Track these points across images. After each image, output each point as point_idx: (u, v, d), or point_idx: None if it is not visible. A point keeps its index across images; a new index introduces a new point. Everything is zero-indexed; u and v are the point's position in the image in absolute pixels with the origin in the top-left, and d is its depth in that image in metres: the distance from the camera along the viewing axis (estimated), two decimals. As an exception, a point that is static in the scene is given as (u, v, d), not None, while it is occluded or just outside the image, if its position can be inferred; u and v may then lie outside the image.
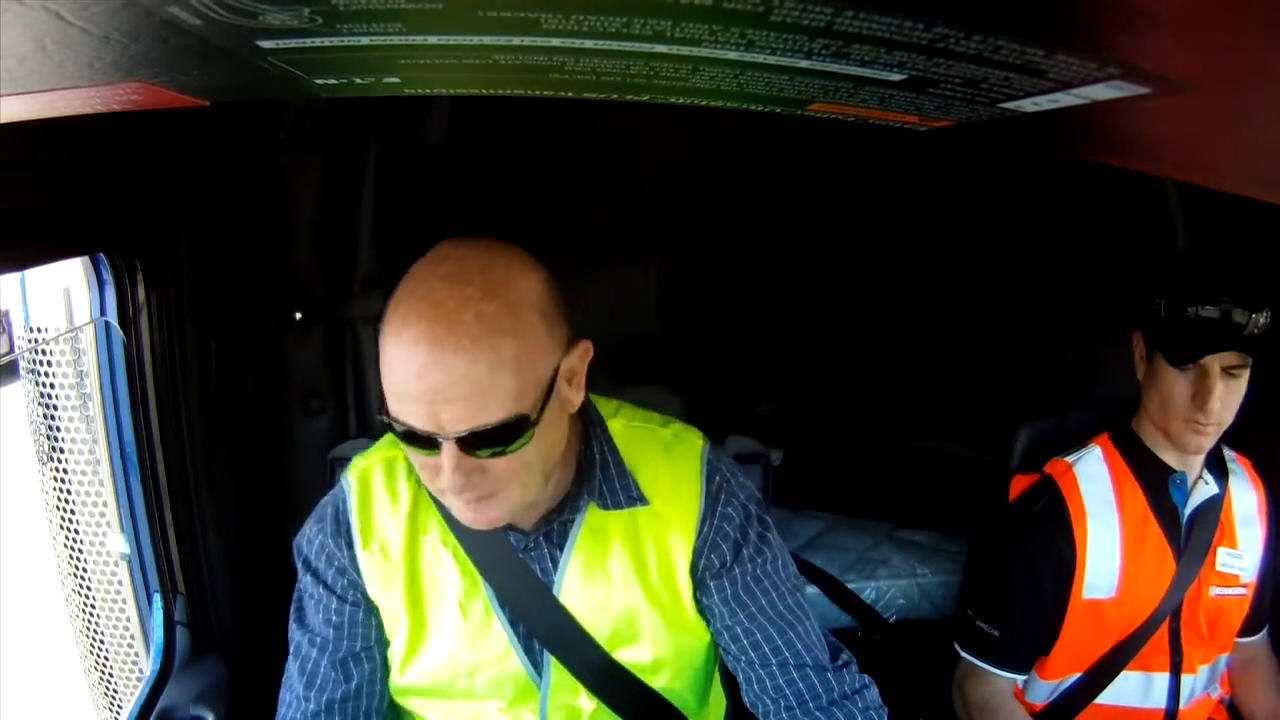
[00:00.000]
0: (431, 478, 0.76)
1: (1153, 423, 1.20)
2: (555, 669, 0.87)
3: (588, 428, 0.87)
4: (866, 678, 0.91)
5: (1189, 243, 1.55)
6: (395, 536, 0.87)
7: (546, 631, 0.86)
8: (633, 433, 0.90)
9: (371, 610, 0.89)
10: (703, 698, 0.96)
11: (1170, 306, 1.13)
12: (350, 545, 0.87)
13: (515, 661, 0.87)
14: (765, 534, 0.90)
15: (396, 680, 0.90)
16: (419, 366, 0.69)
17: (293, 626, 0.90)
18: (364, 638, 0.88)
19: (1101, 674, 1.22)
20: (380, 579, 0.87)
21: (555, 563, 0.86)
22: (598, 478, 0.86)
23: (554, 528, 0.86)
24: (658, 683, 0.89)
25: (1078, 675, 1.23)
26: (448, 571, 0.86)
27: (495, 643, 0.86)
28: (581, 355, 0.79)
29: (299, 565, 0.90)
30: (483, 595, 0.86)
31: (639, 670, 0.88)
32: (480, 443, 0.71)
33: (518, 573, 0.86)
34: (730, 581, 0.88)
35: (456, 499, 0.76)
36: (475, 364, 0.69)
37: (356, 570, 0.87)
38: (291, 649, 0.90)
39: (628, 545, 0.87)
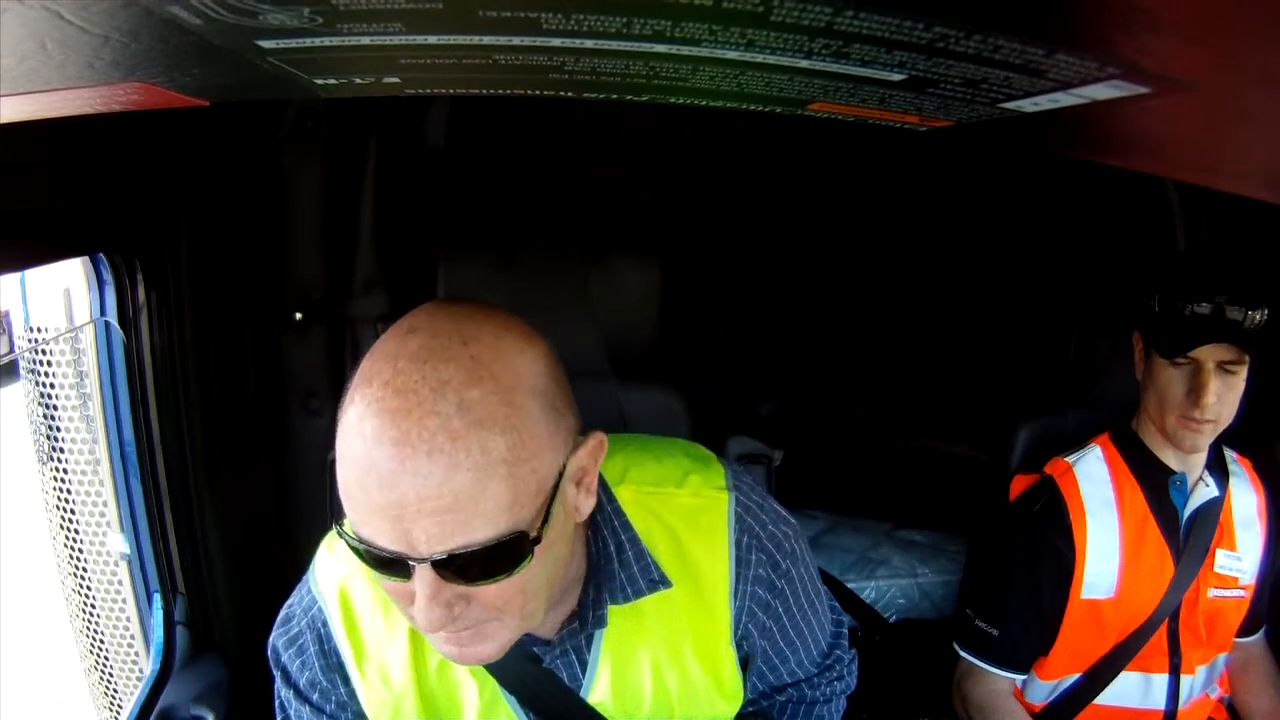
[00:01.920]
0: (405, 606, 0.60)
1: (1152, 422, 1.20)
2: None
3: (595, 508, 0.72)
4: (842, 683, 0.91)
5: (1189, 243, 1.55)
6: (396, 657, 0.74)
7: None
8: (647, 501, 0.76)
9: None
10: None
11: (1165, 303, 1.13)
12: (347, 679, 0.75)
13: None
14: (791, 567, 0.81)
15: None
16: (382, 474, 0.53)
17: None
18: None
19: (1100, 674, 1.22)
20: (390, 710, 0.75)
21: (584, 666, 0.77)
22: (615, 570, 0.73)
23: (580, 639, 0.75)
24: None
25: (1077, 676, 1.23)
26: (464, 687, 0.76)
27: None
28: (593, 451, 0.64)
29: (278, 680, 0.78)
30: (506, 709, 0.77)
31: None
32: (464, 567, 0.56)
33: (542, 682, 0.76)
34: (761, 632, 0.82)
35: (435, 635, 0.61)
36: (456, 469, 0.53)
37: (358, 702, 0.76)
38: None
39: (660, 634, 0.76)
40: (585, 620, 0.73)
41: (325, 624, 0.75)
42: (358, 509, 0.56)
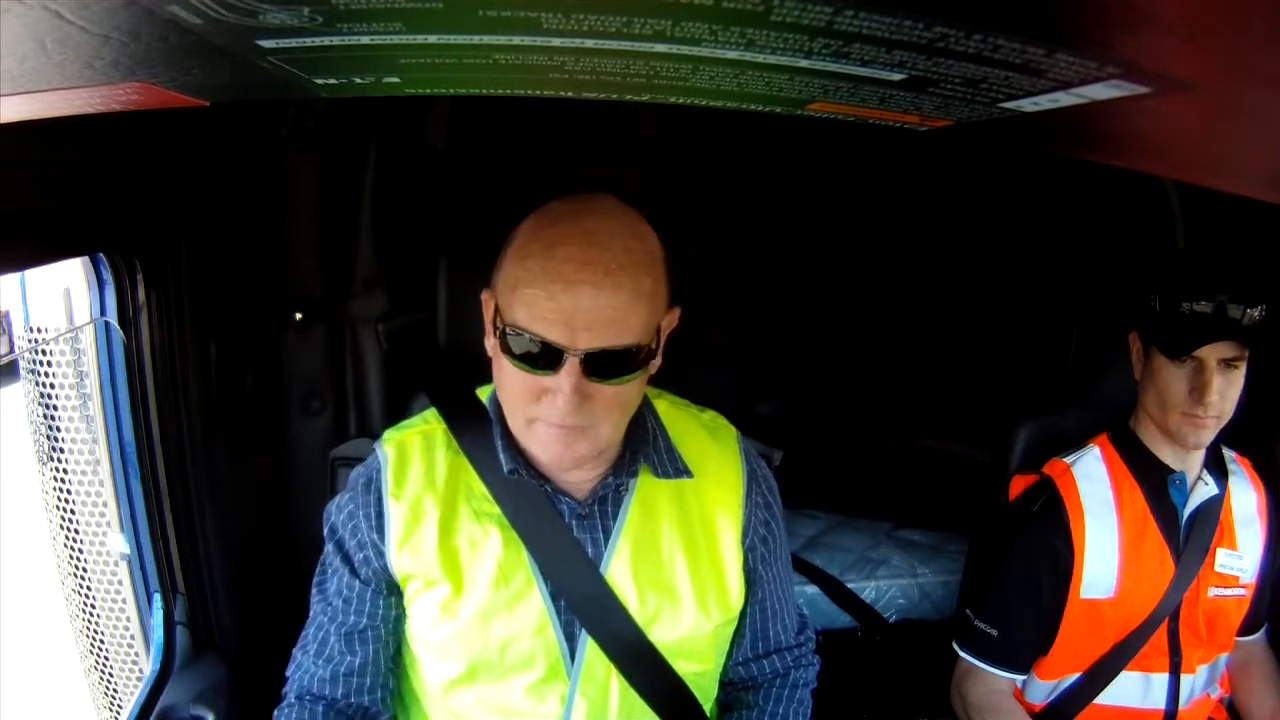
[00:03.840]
0: (529, 403, 0.77)
1: (1152, 421, 1.20)
2: (590, 649, 0.86)
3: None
4: (814, 670, 1.01)
5: (1189, 242, 1.55)
6: (430, 496, 0.86)
7: (587, 608, 0.85)
8: (676, 413, 0.94)
9: (384, 591, 0.88)
10: (716, 684, 0.98)
11: (1165, 302, 1.13)
12: (380, 507, 0.86)
13: (550, 635, 0.85)
14: (778, 527, 0.96)
15: (425, 653, 0.88)
16: (567, 282, 0.72)
17: (314, 593, 0.92)
18: (370, 615, 0.88)
19: (1100, 674, 1.22)
20: (415, 535, 0.85)
21: (607, 534, 0.87)
22: (650, 451, 0.88)
23: (609, 494, 0.87)
24: (686, 667, 0.90)
25: (1077, 675, 1.23)
26: (490, 539, 0.85)
27: (532, 612, 0.85)
28: (672, 320, 0.83)
29: (326, 532, 0.90)
30: (525, 565, 0.85)
31: (670, 653, 0.88)
32: (601, 366, 0.74)
33: (565, 547, 0.85)
34: (761, 559, 0.94)
35: (555, 427, 0.77)
36: (619, 290, 0.73)
37: (382, 538, 0.86)
38: (310, 614, 0.92)
39: (676, 519, 0.89)
40: (620, 472, 0.87)
41: (379, 470, 0.88)
42: (534, 308, 0.74)
